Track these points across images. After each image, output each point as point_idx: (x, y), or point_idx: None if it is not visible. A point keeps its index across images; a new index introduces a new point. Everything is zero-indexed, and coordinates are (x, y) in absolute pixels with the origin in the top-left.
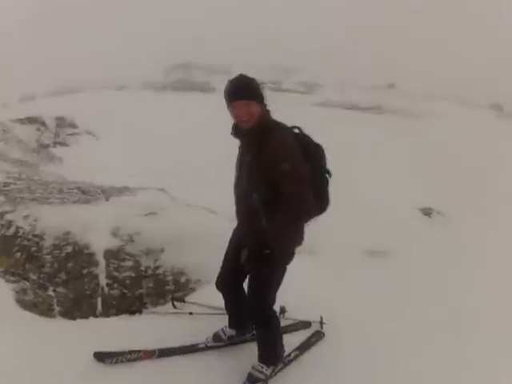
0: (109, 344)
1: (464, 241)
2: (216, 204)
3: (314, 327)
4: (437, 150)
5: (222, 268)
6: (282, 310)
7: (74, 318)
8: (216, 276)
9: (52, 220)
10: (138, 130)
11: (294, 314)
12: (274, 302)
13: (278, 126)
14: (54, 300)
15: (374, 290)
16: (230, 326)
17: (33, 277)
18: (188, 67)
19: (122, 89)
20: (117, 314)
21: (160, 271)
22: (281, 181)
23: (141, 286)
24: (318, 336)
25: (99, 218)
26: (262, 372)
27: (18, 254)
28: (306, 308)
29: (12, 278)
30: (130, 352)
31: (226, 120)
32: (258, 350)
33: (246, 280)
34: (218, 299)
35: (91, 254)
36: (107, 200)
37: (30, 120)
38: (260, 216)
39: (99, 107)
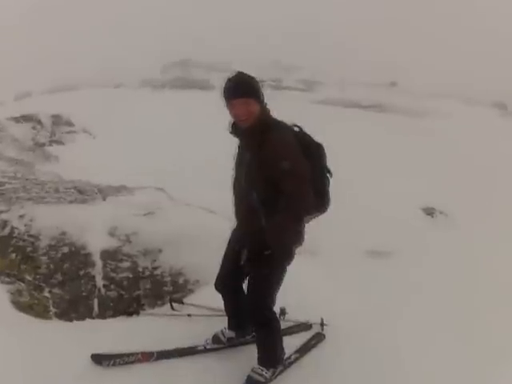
0: (105, 346)
1: (467, 241)
2: (215, 204)
3: (315, 329)
4: (439, 148)
5: (221, 269)
6: (282, 312)
7: (70, 320)
8: (215, 277)
9: (48, 220)
10: (136, 129)
11: (294, 315)
12: (273, 303)
13: (278, 125)
14: (50, 301)
15: (375, 291)
16: (230, 327)
17: (28, 278)
18: (187, 64)
19: (119, 86)
20: (114, 316)
21: (158, 272)
22: (281, 179)
23: (138, 287)
24: (318, 338)
25: (96, 217)
26: (261, 375)
27: (13, 255)
28: (306, 309)
29: (7, 279)
30: (128, 354)
31: (226, 118)
32: (258, 353)
33: (246, 281)
34: (217, 300)
35: (88, 255)
36: (104, 199)
37: (26, 118)
38: (259, 215)
39: (96, 105)
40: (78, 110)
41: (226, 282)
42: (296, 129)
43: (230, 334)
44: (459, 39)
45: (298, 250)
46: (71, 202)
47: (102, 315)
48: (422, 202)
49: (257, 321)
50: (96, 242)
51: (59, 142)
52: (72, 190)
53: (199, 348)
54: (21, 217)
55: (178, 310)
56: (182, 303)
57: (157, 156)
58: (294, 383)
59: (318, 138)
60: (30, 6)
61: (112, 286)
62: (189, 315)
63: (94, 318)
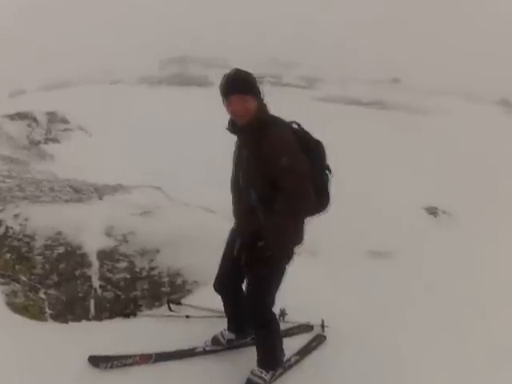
0: (102, 348)
1: (470, 241)
2: (214, 203)
3: (316, 330)
4: (442, 146)
5: (220, 269)
6: (282, 313)
7: (66, 322)
8: (214, 277)
9: (43, 219)
10: (133, 126)
11: (294, 316)
12: (273, 303)
13: (276, 121)
14: (46, 303)
15: (377, 292)
16: (230, 329)
17: (23, 278)
18: (184, 61)
19: (115, 83)
20: (110, 317)
21: (155, 272)
22: (279, 177)
23: (135, 287)
24: (319, 339)
25: (92, 217)
26: (261, 377)
27: (8, 255)
28: (306, 311)
29: (1, 280)
30: (126, 356)
31: (225, 116)
32: (257, 355)
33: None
34: (215, 301)
35: (84, 255)
36: (100, 199)
37: (21, 116)
38: (258, 214)
39: (92, 102)
40: (73, 107)
41: (225, 283)
42: (295, 126)
43: (230, 335)
44: (462, 36)
45: (298, 250)
46: (67, 201)
47: (99, 317)
48: (424, 201)
49: (256, 322)
50: (92, 242)
51: (55, 140)
52: (68, 189)
53: (198, 350)
54: (15, 216)
55: (175, 312)
56: (180, 304)
57: (154, 154)
58: None
59: (318, 135)
60: (25, 2)
61: (109, 287)
62: (187, 316)
63: (90, 320)
